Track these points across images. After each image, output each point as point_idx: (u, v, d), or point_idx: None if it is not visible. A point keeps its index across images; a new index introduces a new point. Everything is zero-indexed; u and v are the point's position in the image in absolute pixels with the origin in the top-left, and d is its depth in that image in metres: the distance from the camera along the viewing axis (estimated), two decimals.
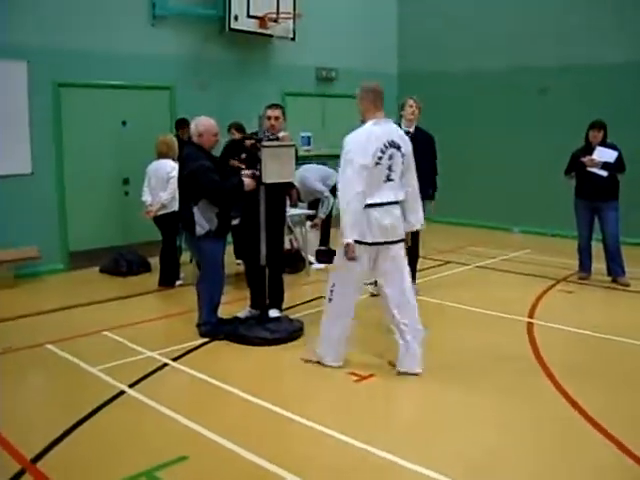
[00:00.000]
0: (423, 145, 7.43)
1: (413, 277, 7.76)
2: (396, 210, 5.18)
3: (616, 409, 4.67)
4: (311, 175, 9.33)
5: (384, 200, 5.08)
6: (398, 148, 5.11)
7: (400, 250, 5.29)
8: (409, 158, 5.27)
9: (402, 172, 5.20)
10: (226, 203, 6.15)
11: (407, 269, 5.35)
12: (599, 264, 8.34)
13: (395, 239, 5.18)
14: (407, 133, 7.43)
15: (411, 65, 13.26)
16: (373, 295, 7.72)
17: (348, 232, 4.93)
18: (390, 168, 5.07)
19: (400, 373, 5.29)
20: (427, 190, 7.52)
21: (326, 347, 5.45)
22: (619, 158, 7.92)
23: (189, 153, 6.17)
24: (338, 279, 5.31)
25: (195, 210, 6.03)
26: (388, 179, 5.09)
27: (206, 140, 6.13)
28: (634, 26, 10.46)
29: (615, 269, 8.17)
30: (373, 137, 5.01)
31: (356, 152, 4.95)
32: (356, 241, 4.96)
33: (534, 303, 7.32)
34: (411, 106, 7.50)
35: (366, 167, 4.91)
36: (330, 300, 5.38)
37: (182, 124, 8.96)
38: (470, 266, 8.89)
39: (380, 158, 4.99)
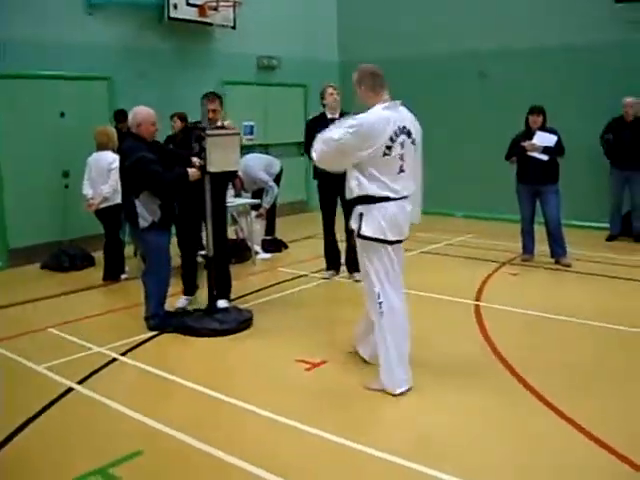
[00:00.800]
0: None
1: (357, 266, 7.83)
2: (408, 206, 4.68)
3: (560, 384, 4.77)
4: (255, 164, 9.29)
5: (399, 195, 4.57)
6: (409, 134, 4.59)
7: (402, 250, 4.86)
8: (419, 146, 4.76)
9: (415, 162, 4.72)
10: (169, 194, 6.06)
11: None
12: (542, 246, 8.51)
13: (406, 237, 4.78)
14: (332, 120, 7.50)
15: (352, 53, 13.23)
16: (325, 279, 7.80)
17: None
18: (402, 158, 4.54)
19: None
20: None
21: (388, 372, 4.68)
22: (558, 142, 8.06)
23: (129, 145, 6.06)
24: (378, 287, 4.65)
25: (137, 202, 5.95)
26: (401, 170, 4.56)
27: (144, 130, 6.02)
28: (569, 10, 10.65)
29: (557, 250, 8.34)
30: (384, 122, 4.47)
31: (358, 131, 4.42)
32: (378, 239, 4.57)
33: (480, 286, 7.42)
34: (331, 94, 7.55)
35: (358, 148, 4.42)
36: (382, 314, 4.66)
37: (121, 116, 8.77)
38: (415, 252, 8.95)
39: (389, 148, 4.46)
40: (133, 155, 5.88)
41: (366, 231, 4.58)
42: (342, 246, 7.95)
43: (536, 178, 8.18)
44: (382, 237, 4.57)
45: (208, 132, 5.98)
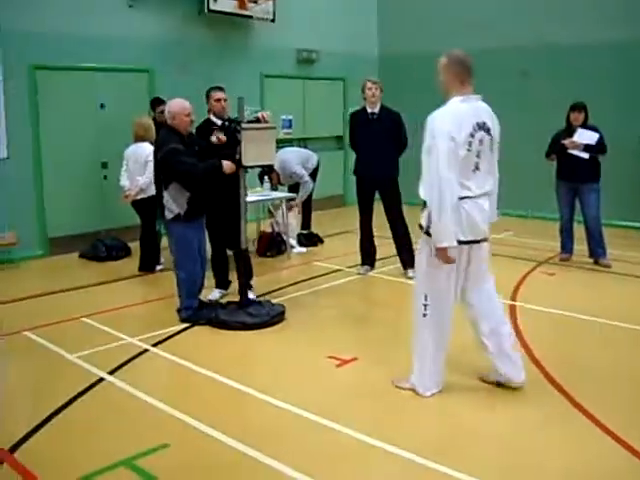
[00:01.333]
0: (389, 124, 7.46)
1: (413, 262, 7.76)
2: (486, 204, 4.42)
3: (596, 389, 4.67)
4: (291, 158, 9.27)
5: (474, 193, 4.31)
6: (487, 131, 4.33)
7: (487, 250, 4.64)
8: (496, 143, 4.47)
9: (489, 159, 4.44)
10: (198, 186, 6.03)
11: (492, 277, 4.70)
12: (580, 246, 8.36)
13: (486, 237, 4.50)
14: (372, 115, 7.48)
15: (392, 47, 13.17)
16: (360, 274, 7.77)
17: (443, 233, 4.19)
18: (478, 155, 4.28)
19: (500, 384, 4.73)
20: (395, 172, 7.56)
21: (421, 374, 4.60)
22: (600, 140, 7.90)
23: (163, 137, 6.10)
24: (430, 289, 4.46)
25: (165, 194, 5.99)
26: (476, 168, 4.31)
27: (179, 122, 6.01)
28: (610, 6, 10.44)
29: (597, 250, 8.19)
30: (462, 117, 4.22)
31: (443, 134, 4.14)
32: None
33: (516, 285, 7.30)
34: (370, 88, 7.48)
35: (455, 152, 4.15)
36: (424, 315, 4.50)
37: (157, 104, 8.75)
38: None
39: (470, 144, 4.21)
40: (164, 147, 5.91)
41: None
42: (378, 241, 7.91)
43: (576, 176, 8.03)
44: (454, 237, 4.28)
45: (244, 126, 5.96)
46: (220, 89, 6.74)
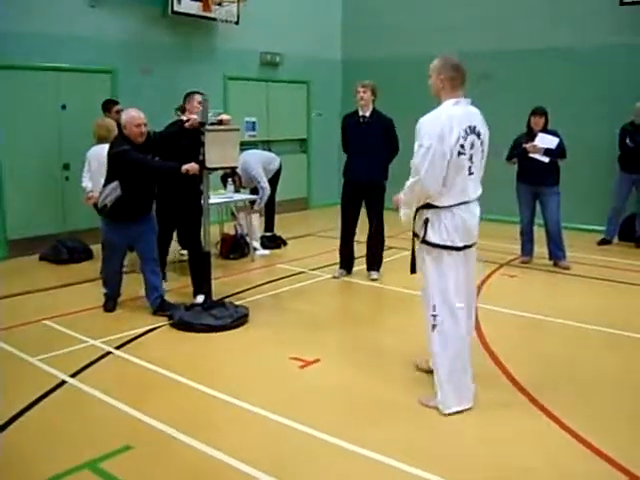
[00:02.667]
0: (380, 129, 7.46)
1: (379, 265, 7.84)
2: (478, 209, 4.46)
3: (556, 388, 4.75)
4: (252, 160, 9.21)
5: (470, 198, 4.35)
6: (478, 135, 4.33)
7: (475, 254, 4.63)
8: (486, 147, 4.47)
9: (481, 163, 4.45)
10: (144, 182, 6.17)
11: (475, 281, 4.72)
12: (540, 248, 8.49)
13: (476, 241, 4.54)
14: (363, 118, 7.49)
15: (356, 51, 13.23)
16: (335, 277, 7.78)
17: (408, 217, 4.41)
18: (471, 159, 4.28)
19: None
20: (382, 177, 7.57)
21: (447, 389, 4.39)
22: (560, 144, 8.04)
23: (115, 143, 6.22)
24: (438, 297, 4.37)
25: (106, 187, 6.20)
26: (470, 172, 4.30)
27: (129, 132, 6.10)
28: (570, 12, 10.63)
29: (556, 253, 8.33)
30: (454, 120, 4.20)
31: (432, 136, 4.15)
32: (446, 246, 4.31)
33: (478, 287, 7.36)
34: (358, 92, 7.47)
35: (445, 156, 4.15)
36: (434, 327, 4.38)
37: (110, 104, 8.59)
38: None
39: (462, 147, 4.20)
40: (113, 149, 6.13)
41: (432, 237, 4.32)
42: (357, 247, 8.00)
43: (537, 180, 8.16)
44: (449, 243, 4.31)
45: (208, 127, 5.96)
46: (201, 93, 6.71)
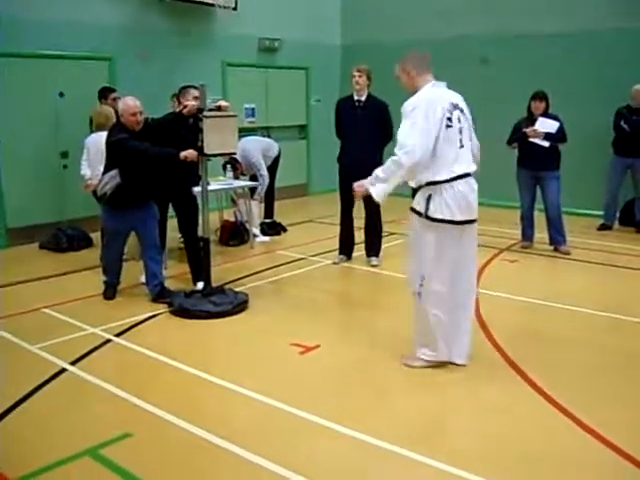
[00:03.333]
0: (374, 113, 7.43)
1: (377, 251, 7.83)
2: (476, 184, 4.61)
3: (556, 373, 4.75)
4: (252, 148, 9.20)
5: (465, 171, 4.49)
6: (462, 111, 4.54)
7: (476, 232, 4.77)
8: (470, 121, 4.67)
9: (468, 139, 4.61)
10: (143, 170, 6.15)
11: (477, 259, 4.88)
12: (541, 233, 8.48)
13: (476, 217, 4.67)
14: (358, 102, 7.46)
15: (355, 36, 13.16)
16: (335, 263, 7.78)
17: (383, 191, 4.54)
18: (461, 131, 4.48)
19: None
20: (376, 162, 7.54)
21: (429, 348, 4.73)
22: (560, 129, 8.01)
23: (113, 131, 6.22)
24: (428, 269, 4.55)
25: (104, 176, 6.20)
26: (461, 145, 4.49)
27: (126, 120, 6.10)
28: None
29: (557, 238, 8.31)
30: (437, 98, 4.42)
31: (418, 114, 4.34)
32: (447, 221, 4.45)
33: (478, 272, 7.35)
34: (353, 76, 7.43)
35: (431, 131, 4.32)
36: (419, 294, 4.63)
37: (107, 92, 8.48)
38: None
39: (450, 119, 4.39)
40: (110, 138, 6.13)
41: (434, 212, 4.45)
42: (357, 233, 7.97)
43: (537, 164, 8.14)
44: (450, 217, 4.45)
45: (205, 114, 5.93)
46: (196, 88, 6.70)
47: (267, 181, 9.18)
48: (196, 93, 6.60)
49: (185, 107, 6.07)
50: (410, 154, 4.33)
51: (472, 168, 4.59)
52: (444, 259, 4.53)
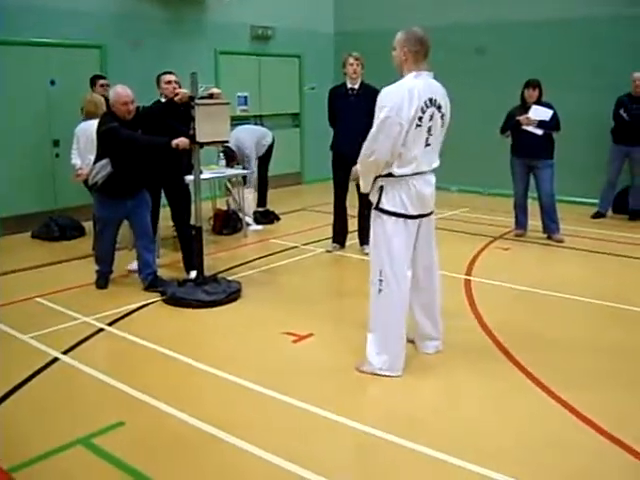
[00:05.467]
0: (367, 101, 7.38)
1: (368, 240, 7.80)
2: (434, 179, 4.59)
3: (548, 360, 4.76)
4: (246, 137, 9.20)
5: (424, 169, 4.44)
6: (439, 108, 4.39)
7: (434, 222, 4.81)
8: (448, 119, 4.55)
9: (440, 136, 4.54)
10: (134, 159, 6.13)
11: (437, 250, 4.84)
12: (534, 221, 8.48)
13: (432, 210, 4.67)
14: (351, 90, 7.42)
15: (348, 24, 13.10)
16: (328, 251, 7.77)
17: (366, 183, 4.48)
18: (429, 131, 4.35)
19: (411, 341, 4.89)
20: None
21: (382, 354, 4.54)
22: (554, 117, 8.00)
23: (103, 119, 6.19)
24: (386, 262, 4.48)
25: (96, 165, 6.18)
26: (427, 144, 4.39)
27: (116, 110, 6.08)
28: None
29: (550, 226, 8.31)
30: (415, 92, 4.24)
31: (392, 108, 4.20)
32: (399, 214, 4.41)
33: (472, 260, 7.39)
34: (351, 64, 7.38)
35: (402, 127, 4.21)
36: (380, 291, 4.53)
37: (97, 79, 8.42)
38: None
39: (420, 119, 4.26)
40: (102, 127, 6.09)
41: (386, 205, 4.43)
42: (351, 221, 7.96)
43: (531, 152, 8.13)
44: (403, 211, 4.41)
45: (197, 101, 5.90)
46: (171, 73, 6.73)
47: (255, 176, 9.33)
48: (169, 78, 6.63)
49: (177, 94, 6.03)
50: (377, 155, 4.30)
51: (433, 166, 4.55)
52: (400, 254, 4.47)
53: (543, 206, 8.29)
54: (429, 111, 4.31)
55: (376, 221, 4.54)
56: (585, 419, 3.91)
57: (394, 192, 4.40)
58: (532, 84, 8.09)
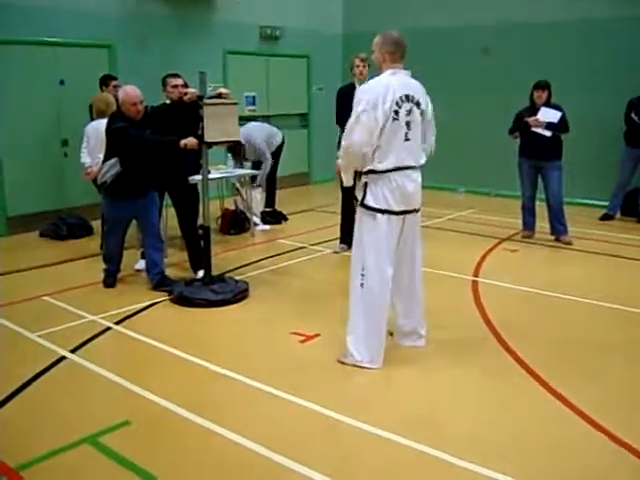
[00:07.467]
0: None
1: None
2: (418, 176, 4.63)
3: (558, 362, 4.74)
4: (256, 133, 9.21)
5: (404, 164, 4.51)
6: (417, 104, 4.52)
7: (419, 220, 4.83)
8: (429, 116, 4.70)
9: (423, 132, 4.66)
10: (143, 158, 6.14)
11: (421, 249, 4.88)
12: (542, 223, 8.45)
13: (417, 207, 4.69)
14: None
15: (357, 25, 13.08)
16: (336, 252, 7.77)
17: (347, 177, 4.66)
18: (408, 125, 4.48)
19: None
20: None
21: (362, 346, 4.66)
22: (563, 118, 7.98)
23: (113, 119, 6.20)
24: (368, 258, 4.59)
25: (105, 164, 6.20)
26: (407, 138, 4.50)
27: (126, 110, 6.09)
28: None
29: (558, 228, 8.29)
30: (389, 87, 4.42)
31: (368, 102, 4.38)
32: (382, 210, 4.51)
33: (479, 262, 7.37)
34: (357, 66, 7.42)
35: (377, 121, 4.37)
36: (362, 285, 4.62)
37: (108, 80, 8.36)
38: None
39: (397, 113, 4.40)
40: (111, 127, 6.11)
41: (370, 201, 4.54)
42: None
43: (539, 154, 8.11)
44: (386, 207, 4.51)
45: (206, 101, 5.90)
46: (177, 76, 6.72)
47: (270, 163, 9.24)
48: (175, 82, 6.64)
49: (186, 94, 6.05)
50: (354, 146, 4.45)
51: (417, 162, 4.61)
52: (383, 250, 4.57)
53: (551, 208, 8.27)
54: (406, 106, 4.46)
55: (360, 217, 4.65)
56: (590, 420, 3.90)
57: (377, 189, 4.52)
58: (541, 86, 8.07)
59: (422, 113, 4.58)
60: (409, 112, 4.48)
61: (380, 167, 4.48)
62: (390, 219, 4.55)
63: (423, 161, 4.68)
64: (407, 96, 4.47)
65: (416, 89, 4.59)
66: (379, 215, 4.53)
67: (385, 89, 4.42)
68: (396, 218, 4.58)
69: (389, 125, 4.41)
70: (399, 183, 4.51)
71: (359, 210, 4.66)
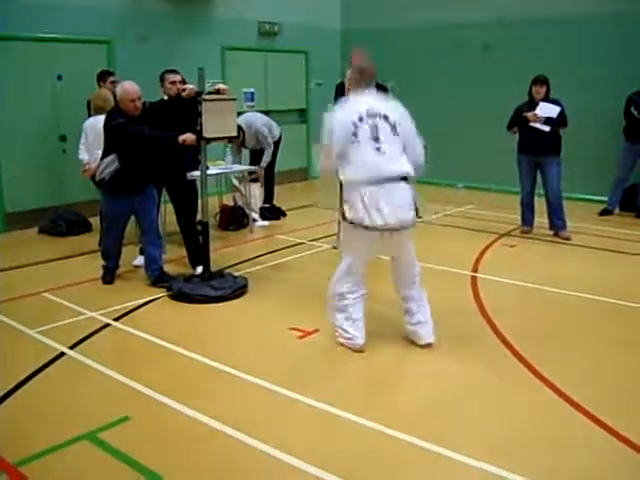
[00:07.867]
0: None
1: None
2: (396, 189, 4.59)
3: (557, 357, 4.75)
4: (257, 119, 9.25)
5: (379, 175, 4.53)
6: (385, 118, 4.62)
7: (408, 240, 4.86)
8: (402, 127, 4.70)
9: (402, 144, 4.67)
10: (141, 154, 6.13)
11: (417, 268, 4.97)
12: (541, 218, 8.45)
13: (403, 225, 4.64)
14: None
15: (355, 21, 13.08)
16: (335, 248, 7.77)
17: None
18: (377, 139, 4.56)
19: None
20: None
21: (343, 327, 4.97)
22: (561, 113, 7.97)
23: (110, 115, 6.20)
24: (348, 256, 4.95)
25: (104, 160, 6.19)
26: (378, 150, 4.57)
27: (124, 106, 6.08)
28: None
29: (557, 223, 8.29)
30: (352, 106, 4.72)
31: (328, 135, 4.68)
32: (357, 224, 4.61)
33: (477, 257, 7.38)
34: None
35: (342, 137, 4.59)
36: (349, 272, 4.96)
37: (105, 76, 8.30)
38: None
39: (355, 134, 4.57)
40: (110, 122, 6.11)
41: (346, 211, 4.69)
42: None
43: (538, 149, 8.10)
44: (358, 222, 4.60)
45: (205, 97, 5.89)
46: (175, 72, 6.71)
47: (271, 149, 9.24)
48: (173, 78, 6.64)
49: (184, 90, 6.04)
50: (324, 170, 4.97)
51: (397, 172, 4.60)
52: (357, 256, 4.86)
53: (550, 203, 8.27)
54: (368, 121, 4.61)
55: (344, 224, 4.87)
56: (590, 415, 3.90)
57: (351, 200, 4.64)
58: (540, 81, 8.06)
59: (393, 126, 4.66)
60: (374, 127, 4.61)
61: (353, 178, 4.61)
62: (364, 233, 4.63)
63: (409, 171, 4.66)
64: (369, 113, 4.64)
65: (382, 105, 4.77)
66: (356, 229, 4.65)
67: (344, 112, 4.72)
68: (373, 233, 4.61)
69: (350, 146, 4.59)
70: (373, 197, 4.54)
71: (343, 224, 4.90)
